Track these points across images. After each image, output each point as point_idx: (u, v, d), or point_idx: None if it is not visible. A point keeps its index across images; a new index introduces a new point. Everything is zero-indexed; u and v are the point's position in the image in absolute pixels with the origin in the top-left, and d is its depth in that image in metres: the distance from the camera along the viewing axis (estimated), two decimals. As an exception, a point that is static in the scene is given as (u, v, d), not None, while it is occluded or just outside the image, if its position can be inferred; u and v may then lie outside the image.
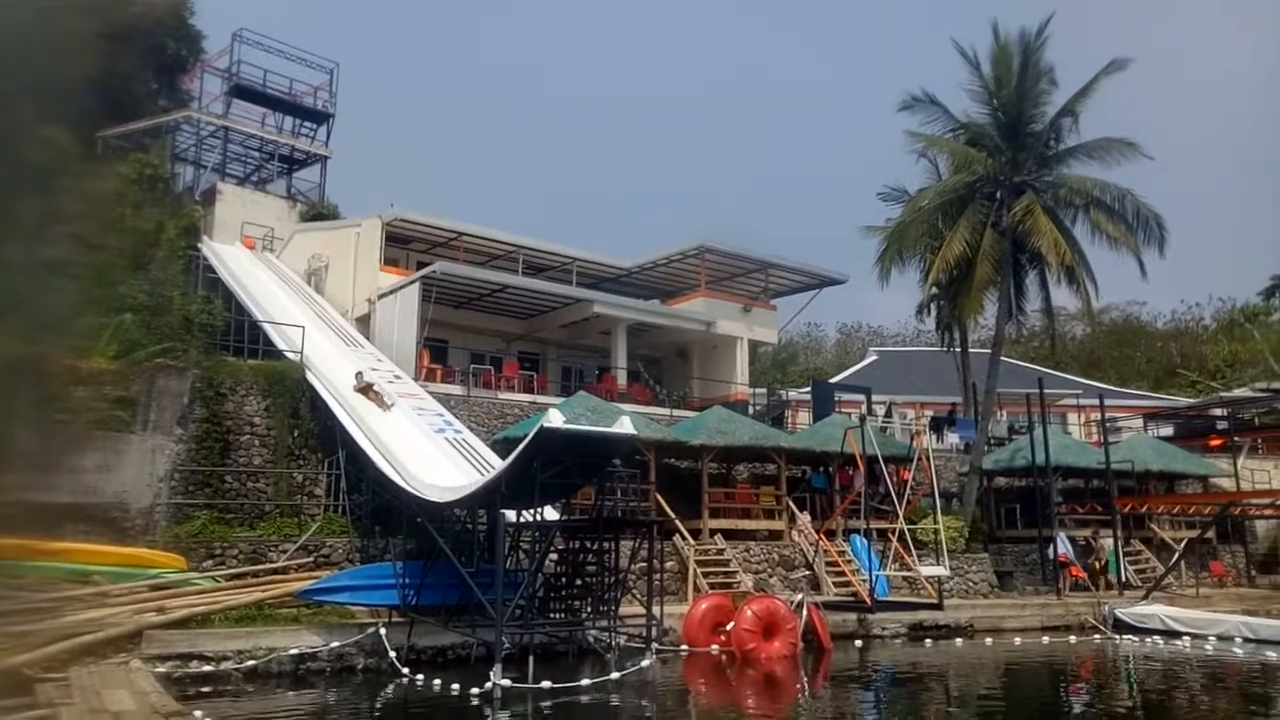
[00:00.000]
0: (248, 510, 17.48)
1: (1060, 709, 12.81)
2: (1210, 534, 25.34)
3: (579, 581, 14.65)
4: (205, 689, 11.18)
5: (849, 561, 20.30)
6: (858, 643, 16.91)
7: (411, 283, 23.85)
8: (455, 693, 11.28)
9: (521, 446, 12.13)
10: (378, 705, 11.43)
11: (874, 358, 49.13)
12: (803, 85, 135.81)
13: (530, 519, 13.60)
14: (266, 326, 21.56)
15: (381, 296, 24.78)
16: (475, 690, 11.22)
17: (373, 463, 15.35)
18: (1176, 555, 23.69)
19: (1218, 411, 34.47)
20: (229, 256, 27.31)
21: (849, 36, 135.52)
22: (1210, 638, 17.68)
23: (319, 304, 25.56)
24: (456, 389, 23.07)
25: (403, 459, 15.24)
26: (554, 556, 14.72)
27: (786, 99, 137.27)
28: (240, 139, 33.83)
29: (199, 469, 17.02)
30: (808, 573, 20.12)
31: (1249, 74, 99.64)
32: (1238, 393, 38.45)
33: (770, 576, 19.72)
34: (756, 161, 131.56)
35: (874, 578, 18.88)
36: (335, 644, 12.82)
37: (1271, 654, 16.09)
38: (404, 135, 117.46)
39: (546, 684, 11.62)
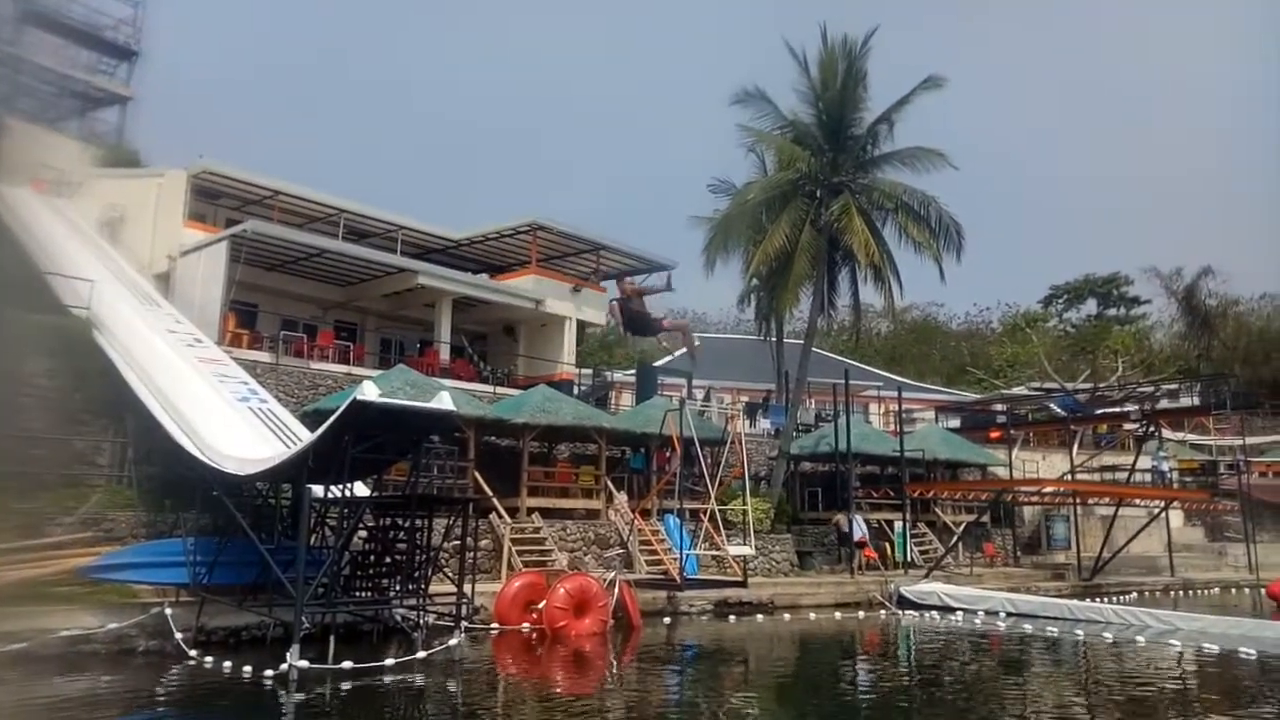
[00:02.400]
0: (21, 480, 15.87)
1: (844, 677, 13.73)
2: (985, 518, 27.88)
3: (389, 559, 14.29)
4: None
5: (662, 540, 20.87)
6: (666, 619, 17.43)
7: (219, 240, 22.35)
8: (247, 675, 10.77)
9: (332, 419, 11.68)
10: (158, 689, 10.71)
11: (697, 344, 50.47)
12: (641, 79, 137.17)
13: (339, 494, 13.14)
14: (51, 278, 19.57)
15: (185, 253, 23.09)
16: (269, 672, 10.75)
17: (165, 431, 14.31)
18: (955, 537, 25.90)
19: (998, 407, 37.82)
20: (11, 199, 24.56)
21: (689, 30, 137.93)
22: (980, 612, 19.49)
23: (112, 258, 23.45)
24: (265, 356, 21.88)
25: (200, 428, 14.25)
26: (363, 534, 14.28)
27: (626, 91, 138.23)
28: (29, 69, 30.43)
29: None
30: (622, 551, 20.54)
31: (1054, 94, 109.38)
32: (1016, 390, 42.45)
33: (585, 555, 19.97)
34: (595, 149, 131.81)
35: (684, 556, 19.54)
36: (114, 625, 11.92)
37: (1028, 626, 17.91)
38: (230, 86, 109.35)
39: (347, 664, 11.26)
